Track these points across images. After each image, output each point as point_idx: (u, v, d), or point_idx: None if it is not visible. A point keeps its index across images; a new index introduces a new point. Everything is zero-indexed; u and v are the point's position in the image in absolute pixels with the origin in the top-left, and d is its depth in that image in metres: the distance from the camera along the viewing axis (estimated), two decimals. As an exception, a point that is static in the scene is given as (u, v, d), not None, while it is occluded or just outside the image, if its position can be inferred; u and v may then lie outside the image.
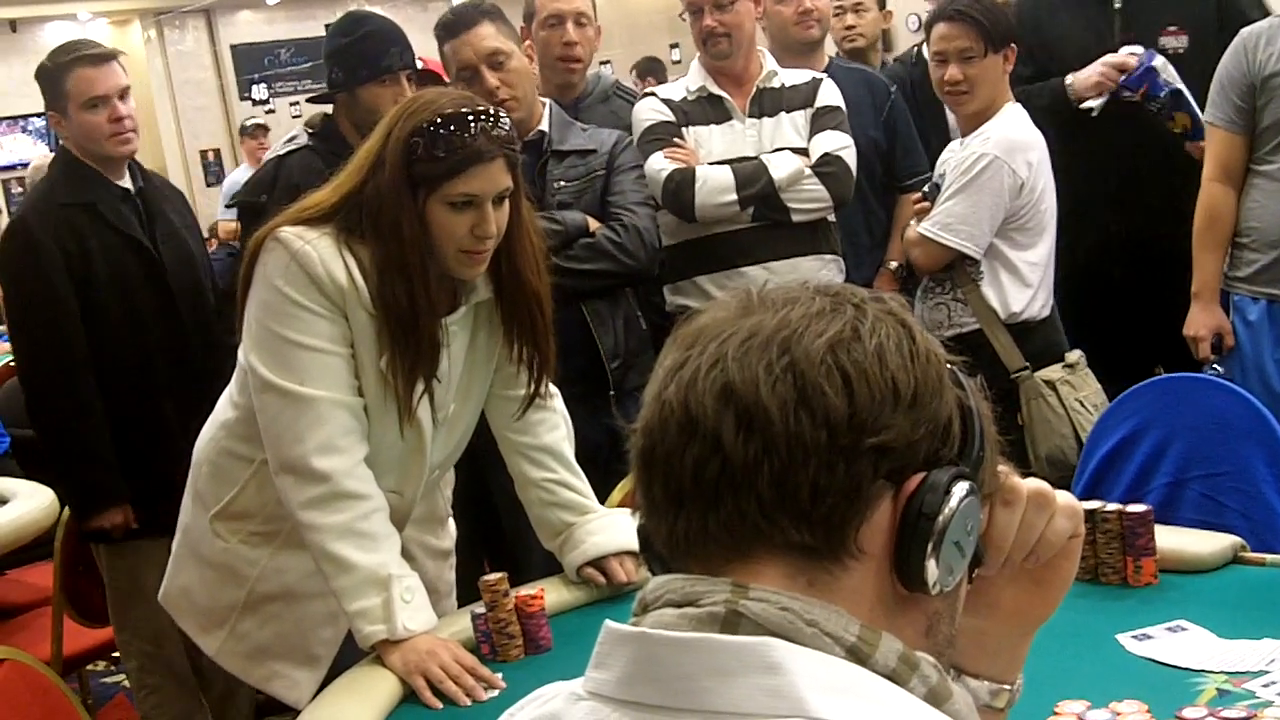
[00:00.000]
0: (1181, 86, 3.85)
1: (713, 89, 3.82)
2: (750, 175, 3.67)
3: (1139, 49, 3.90)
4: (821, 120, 3.81)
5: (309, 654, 2.61)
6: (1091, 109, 3.89)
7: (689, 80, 3.88)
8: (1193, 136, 3.90)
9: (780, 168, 3.67)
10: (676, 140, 3.73)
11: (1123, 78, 3.87)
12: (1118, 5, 4.02)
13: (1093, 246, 3.95)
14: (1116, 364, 3.85)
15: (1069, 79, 3.90)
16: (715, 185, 3.65)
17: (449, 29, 3.51)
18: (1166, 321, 3.92)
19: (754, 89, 3.83)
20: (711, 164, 3.70)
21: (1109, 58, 3.92)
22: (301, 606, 2.60)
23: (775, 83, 3.84)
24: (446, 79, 3.64)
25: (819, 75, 3.94)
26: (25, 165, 21.80)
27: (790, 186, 3.67)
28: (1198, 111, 3.85)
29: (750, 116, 3.80)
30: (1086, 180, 3.82)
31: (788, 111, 3.81)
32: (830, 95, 3.85)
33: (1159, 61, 3.84)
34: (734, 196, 3.65)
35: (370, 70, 3.42)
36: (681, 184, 3.65)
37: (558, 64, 3.91)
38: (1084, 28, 3.96)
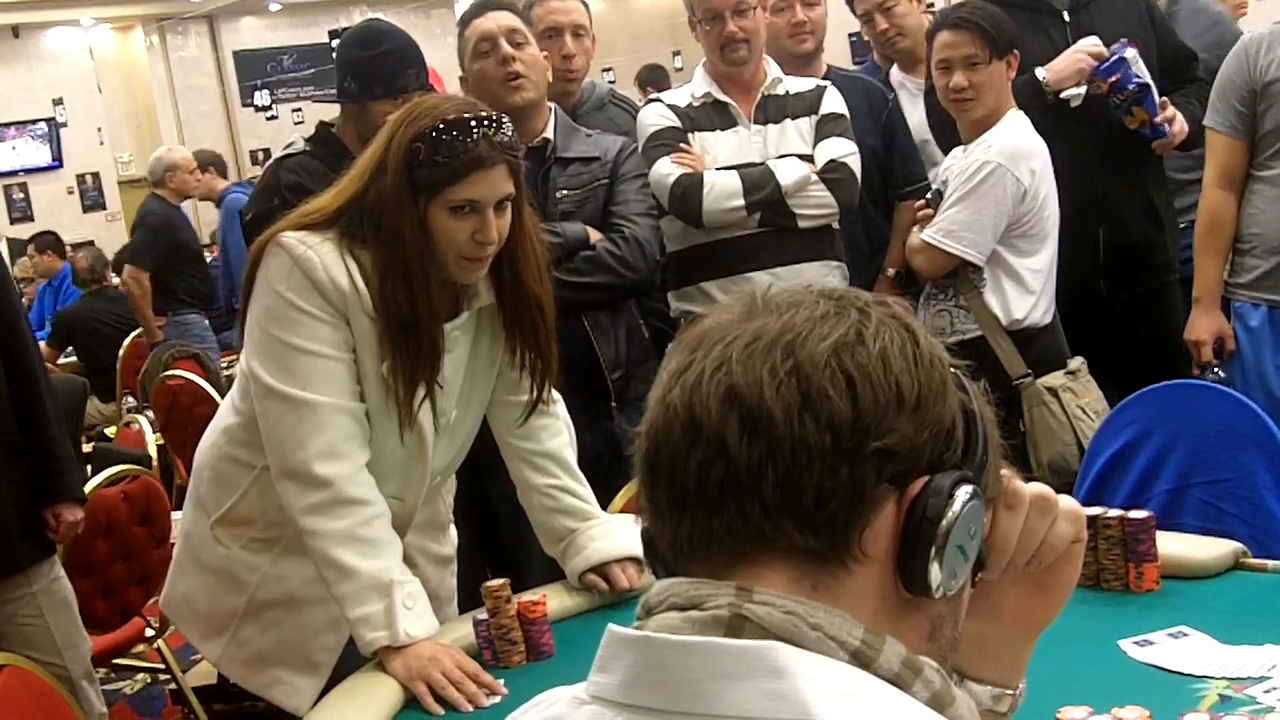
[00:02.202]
0: (1149, 81, 3.83)
1: (718, 95, 3.82)
2: (757, 180, 3.67)
3: (1097, 39, 3.88)
4: (826, 127, 3.81)
5: (310, 660, 2.61)
6: (1072, 98, 3.85)
7: (694, 86, 3.88)
8: (1151, 135, 3.88)
9: (787, 173, 3.68)
10: (683, 145, 3.73)
11: (1102, 65, 3.85)
12: (1068, 19, 4.02)
13: (1080, 257, 3.92)
14: (1110, 374, 3.84)
15: (1041, 73, 3.85)
16: (723, 190, 3.65)
17: (478, 7, 3.54)
18: (1153, 332, 3.93)
19: (759, 95, 3.83)
20: (718, 169, 3.70)
21: (1080, 45, 3.88)
22: (303, 613, 2.60)
23: (780, 89, 3.84)
24: (444, 89, 3.65)
25: (823, 83, 3.94)
26: (27, 171, 21.92)
27: (797, 192, 3.68)
28: (1156, 108, 3.83)
29: (755, 123, 3.81)
30: (1068, 188, 3.79)
31: (793, 118, 3.82)
32: (834, 102, 3.86)
33: (1130, 53, 3.82)
34: (741, 202, 3.65)
35: (385, 88, 3.40)
36: (689, 189, 3.65)
37: (556, 75, 3.90)
38: (1040, 39, 3.94)
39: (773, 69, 3.88)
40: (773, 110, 3.82)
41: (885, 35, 4.66)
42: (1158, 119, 3.84)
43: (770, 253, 3.71)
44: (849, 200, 3.76)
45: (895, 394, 1.00)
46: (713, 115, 3.81)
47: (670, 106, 3.81)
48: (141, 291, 8.25)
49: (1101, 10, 4.04)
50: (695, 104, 3.82)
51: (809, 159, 3.74)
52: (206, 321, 8.45)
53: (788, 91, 3.85)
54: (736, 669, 0.95)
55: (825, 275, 3.74)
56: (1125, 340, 4.05)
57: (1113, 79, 3.81)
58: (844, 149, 3.75)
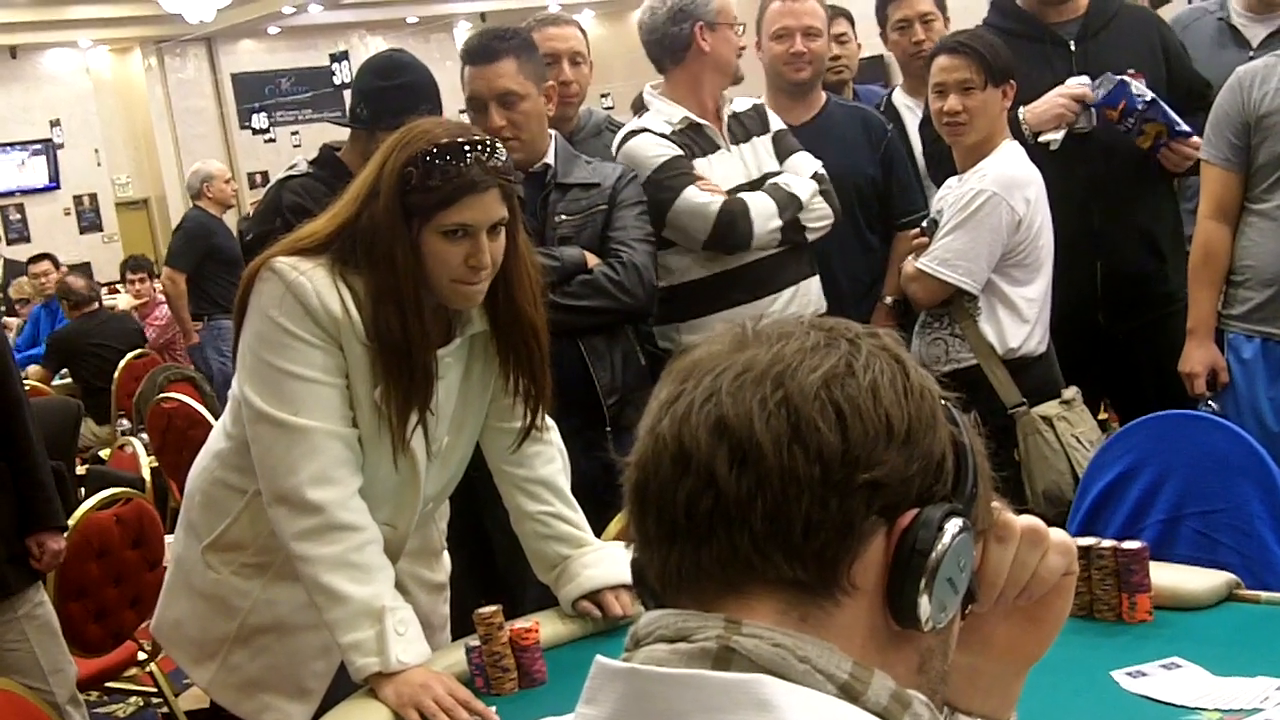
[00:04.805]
0: (1155, 97, 3.82)
1: (694, 118, 3.81)
2: (784, 199, 3.70)
3: (1087, 79, 3.88)
4: (785, 142, 3.88)
5: (301, 686, 2.60)
6: (1050, 143, 3.85)
7: (665, 113, 3.83)
8: (1170, 138, 3.87)
9: (801, 189, 3.71)
10: (697, 173, 3.72)
11: (1099, 95, 3.85)
12: (1074, 49, 4.02)
13: (1078, 289, 3.92)
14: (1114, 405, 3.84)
15: (1022, 112, 3.86)
16: (763, 212, 3.67)
17: (471, 56, 3.48)
18: (1155, 363, 3.93)
19: (725, 117, 3.85)
20: (740, 192, 3.72)
21: (1064, 89, 3.88)
22: (293, 639, 2.59)
23: (732, 110, 3.89)
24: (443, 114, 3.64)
25: (757, 100, 4.00)
26: (24, 191, 21.94)
27: (808, 206, 3.72)
28: (1173, 116, 3.83)
29: (732, 144, 3.83)
30: (1063, 219, 3.78)
31: (757, 136, 3.86)
32: (776, 119, 3.94)
33: (1128, 78, 3.83)
34: (780, 222, 3.67)
35: (394, 119, 3.40)
36: (739, 215, 3.64)
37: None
38: (1043, 71, 3.94)
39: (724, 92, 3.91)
40: (737, 130, 3.86)
41: (920, 47, 4.64)
42: (1177, 130, 3.84)
43: (788, 271, 3.76)
44: (838, 210, 3.82)
45: (885, 426, 1.00)
46: (696, 140, 3.80)
47: (662, 135, 3.79)
48: (177, 292, 8.79)
49: (1111, 41, 4.03)
50: (676, 130, 3.80)
51: (775, 175, 3.79)
52: None
53: (736, 112, 3.89)
54: (724, 702, 0.94)
55: (819, 292, 3.83)
56: (1128, 371, 4.05)
57: (1120, 105, 3.81)
58: (815, 161, 3.83)
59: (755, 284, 3.73)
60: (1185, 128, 3.84)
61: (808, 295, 3.81)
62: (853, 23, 5.03)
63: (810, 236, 3.77)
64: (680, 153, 3.74)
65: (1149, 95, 3.82)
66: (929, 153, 4.10)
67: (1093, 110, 3.86)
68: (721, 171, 3.77)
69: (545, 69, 3.56)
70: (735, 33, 3.84)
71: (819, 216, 3.77)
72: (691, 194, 3.66)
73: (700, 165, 3.76)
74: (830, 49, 4.75)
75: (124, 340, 8.82)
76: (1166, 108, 3.83)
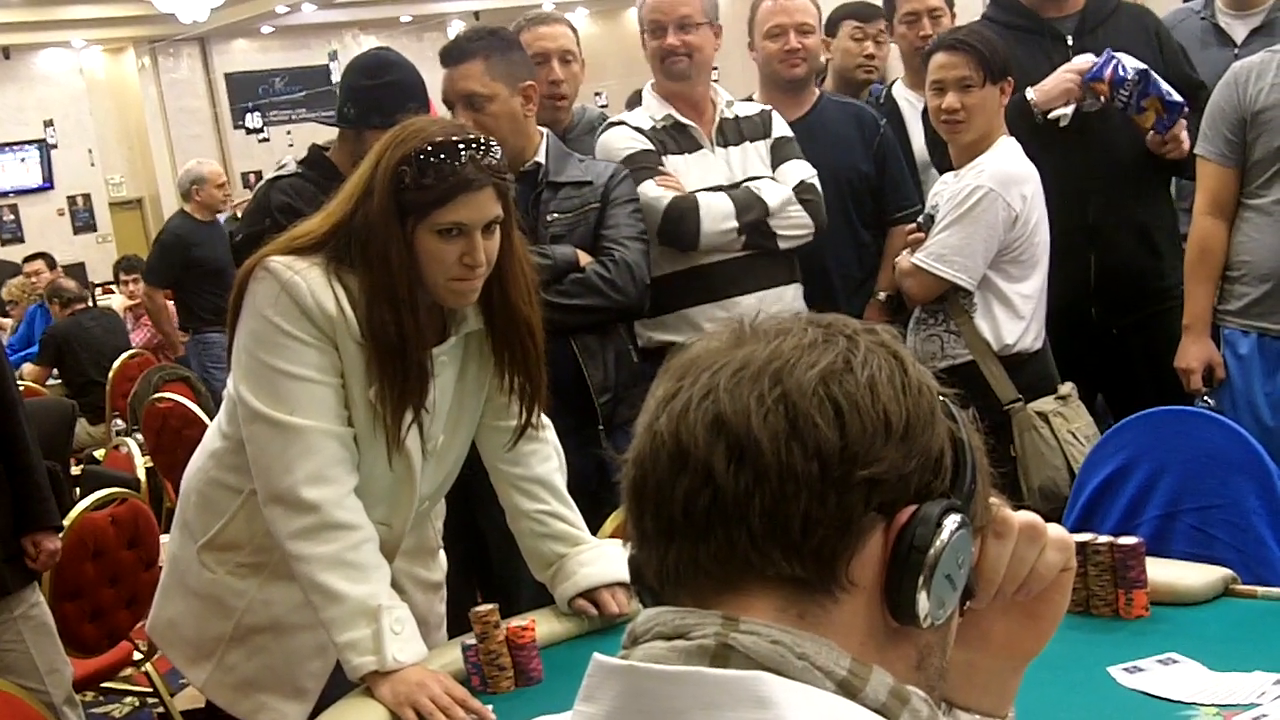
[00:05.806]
0: (1147, 66, 3.80)
1: (679, 117, 3.82)
2: (747, 202, 3.67)
3: (1092, 57, 3.86)
4: (784, 150, 3.85)
5: (297, 686, 2.60)
6: (1061, 118, 3.84)
7: (651, 109, 3.85)
8: (1166, 123, 3.85)
9: (771, 194, 3.68)
10: (662, 169, 3.72)
11: (1087, 75, 3.85)
12: (1071, 44, 4.03)
13: (1071, 282, 3.91)
14: (1108, 401, 3.84)
15: (1030, 93, 3.85)
16: (717, 213, 3.65)
17: (442, 57, 3.49)
18: (1150, 359, 3.93)
19: (717, 118, 3.84)
20: (701, 191, 3.69)
21: (1070, 65, 3.88)
22: (289, 638, 2.59)
23: (731, 113, 3.87)
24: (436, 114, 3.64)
25: (765, 106, 3.97)
26: (18, 192, 21.92)
27: (779, 214, 3.69)
28: (1166, 88, 3.81)
29: (718, 146, 3.82)
30: (1058, 212, 3.78)
31: (750, 141, 3.84)
32: (782, 125, 3.91)
33: (1119, 54, 3.82)
34: (735, 224, 3.65)
35: (382, 119, 3.39)
36: (687, 212, 3.64)
37: (544, 101, 3.88)
38: (1042, 65, 3.93)
39: (721, 93, 3.89)
40: (730, 133, 3.84)
41: (926, 42, 4.63)
42: (1169, 100, 3.82)
43: (752, 277, 3.72)
44: (821, 222, 3.79)
45: (883, 422, 1.00)
46: (676, 138, 3.80)
47: (637, 129, 3.79)
48: (156, 308, 8.62)
49: (1108, 35, 4.03)
50: (658, 126, 3.81)
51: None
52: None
53: (738, 115, 3.87)
54: (722, 699, 0.94)
55: (795, 299, 3.79)
56: (1123, 366, 4.05)
57: (1108, 75, 3.79)
58: (808, 171, 3.80)
59: (716, 285, 3.72)
60: (1177, 98, 3.82)
61: (780, 302, 3.74)
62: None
63: (783, 244, 3.74)
64: (650, 147, 3.74)
65: (1140, 65, 3.80)
66: (931, 140, 4.10)
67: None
68: (698, 172, 3.76)
69: (524, 69, 3.51)
70: (656, 43, 3.81)
71: (793, 225, 3.74)
72: (646, 188, 3.66)
73: (676, 163, 3.75)
74: (867, 48, 4.79)
75: (116, 336, 8.83)
76: (1158, 79, 3.81)
